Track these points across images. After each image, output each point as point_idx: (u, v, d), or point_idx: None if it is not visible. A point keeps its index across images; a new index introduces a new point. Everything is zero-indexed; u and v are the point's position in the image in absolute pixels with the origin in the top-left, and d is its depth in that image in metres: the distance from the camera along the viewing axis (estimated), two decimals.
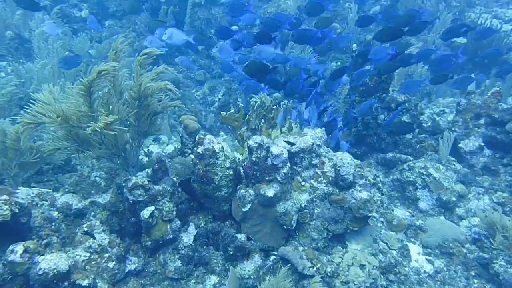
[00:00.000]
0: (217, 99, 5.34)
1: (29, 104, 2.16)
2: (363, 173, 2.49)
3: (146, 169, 2.63)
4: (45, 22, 3.57)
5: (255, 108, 2.89)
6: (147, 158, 3.28)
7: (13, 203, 2.10)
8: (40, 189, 2.53)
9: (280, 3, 5.85)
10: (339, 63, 5.07)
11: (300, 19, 3.16)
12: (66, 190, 2.88)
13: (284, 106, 2.82)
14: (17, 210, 2.07)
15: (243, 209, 2.43)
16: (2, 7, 4.88)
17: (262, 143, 2.33)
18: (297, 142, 2.47)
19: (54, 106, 2.05)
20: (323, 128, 2.66)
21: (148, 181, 2.44)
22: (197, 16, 5.69)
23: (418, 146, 3.24)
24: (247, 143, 2.35)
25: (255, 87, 2.82)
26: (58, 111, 2.05)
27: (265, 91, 2.80)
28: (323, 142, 2.56)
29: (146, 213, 2.31)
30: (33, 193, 2.46)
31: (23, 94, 4.05)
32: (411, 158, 3.14)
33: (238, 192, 2.45)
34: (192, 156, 2.63)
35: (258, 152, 2.33)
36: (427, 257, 2.51)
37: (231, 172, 2.42)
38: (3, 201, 2.06)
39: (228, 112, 2.86)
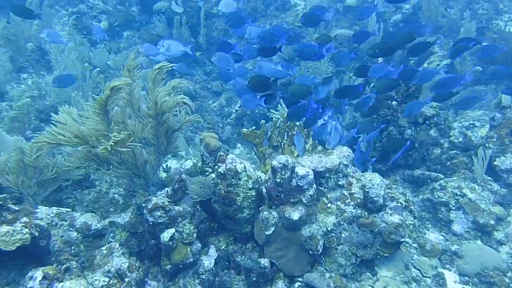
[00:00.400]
0: (234, 111, 5.26)
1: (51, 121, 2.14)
2: (394, 195, 2.35)
3: (166, 188, 2.55)
4: (44, 31, 3.51)
5: (277, 124, 2.79)
6: (165, 174, 3.21)
7: (33, 225, 2.05)
8: (60, 208, 2.49)
9: (298, 13, 5.77)
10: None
11: (298, 34, 3.08)
12: (85, 208, 2.84)
13: (297, 129, 2.72)
14: (37, 233, 2.02)
15: (266, 232, 2.32)
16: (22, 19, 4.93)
17: (286, 164, 2.22)
18: (322, 162, 2.35)
19: (72, 126, 1.99)
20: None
21: (168, 201, 2.36)
22: (214, 26, 5.65)
23: (448, 163, 3.07)
24: (271, 163, 2.25)
25: (253, 100, 2.75)
26: (75, 131, 2.00)
27: (262, 105, 2.71)
28: (350, 161, 2.43)
29: (166, 236, 2.23)
30: (52, 213, 2.41)
31: (42, 107, 4.07)
32: (442, 176, 2.97)
33: (260, 214, 2.35)
34: (213, 175, 2.54)
35: (283, 172, 2.22)
36: (465, 286, 2.33)
37: (253, 193, 2.32)
38: (23, 224, 2.01)
39: (249, 129, 2.76)
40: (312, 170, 2.29)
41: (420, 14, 5.46)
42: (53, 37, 3.64)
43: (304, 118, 2.55)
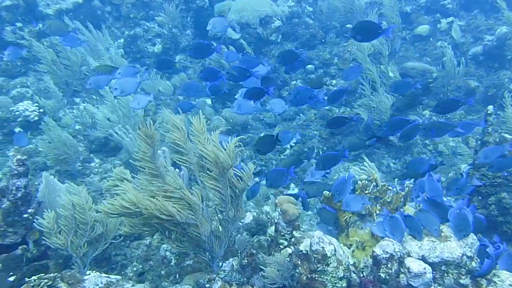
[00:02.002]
0: (288, 146, 4.84)
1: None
2: None
3: (232, 261, 2.13)
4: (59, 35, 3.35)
5: (365, 187, 2.30)
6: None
7: None
8: (110, 276, 2.13)
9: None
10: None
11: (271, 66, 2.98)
12: (135, 269, 2.48)
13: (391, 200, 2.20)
14: None
15: None
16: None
17: (394, 254, 1.72)
18: (436, 249, 1.83)
19: (130, 194, 1.63)
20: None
21: (237, 283, 1.93)
22: (271, 54, 5.32)
23: None
24: (373, 251, 1.76)
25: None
26: (133, 199, 1.63)
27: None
28: (476, 252, 1.88)
29: None
30: (101, 283, 2.05)
31: (93, 137, 3.86)
32: None
33: None
34: (289, 250, 2.09)
35: (389, 265, 1.72)
36: None
37: (344, 284, 1.84)
38: None
39: (330, 193, 2.30)
40: (421, 258, 1.78)
41: (507, 46, 4.80)
42: (70, 41, 3.40)
43: None
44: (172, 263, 2.55)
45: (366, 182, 2.30)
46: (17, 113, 3.50)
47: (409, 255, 1.75)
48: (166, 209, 1.55)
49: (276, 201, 2.20)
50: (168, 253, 2.61)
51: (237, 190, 1.96)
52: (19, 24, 4.50)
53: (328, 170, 2.59)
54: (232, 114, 5.05)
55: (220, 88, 3.09)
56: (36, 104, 3.69)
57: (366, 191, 2.29)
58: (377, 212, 2.18)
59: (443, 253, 1.82)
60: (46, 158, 3.26)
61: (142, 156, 1.60)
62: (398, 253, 1.74)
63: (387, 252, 1.72)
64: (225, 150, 1.70)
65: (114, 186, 2.11)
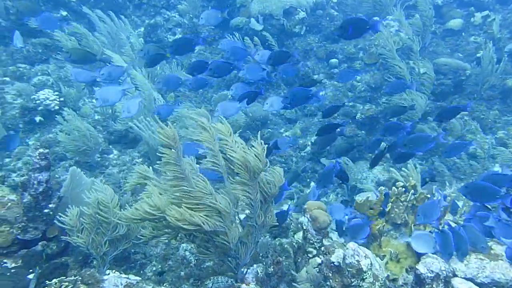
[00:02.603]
0: (309, 143, 4.68)
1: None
2: None
3: (256, 267, 2.02)
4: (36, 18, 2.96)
5: (400, 194, 2.15)
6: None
7: None
8: (129, 277, 2.06)
9: (392, 34, 5.06)
10: None
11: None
12: (154, 269, 2.41)
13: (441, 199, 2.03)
14: None
15: None
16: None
17: (440, 273, 1.58)
18: (486, 269, 1.68)
19: (155, 199, 1.52)
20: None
21: None
22: (294, 46, 5.14)
23: None
24: (416, 269, 1.62)
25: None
26: (159, 204, 1.53)
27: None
28: None
29: None
30: (121, 284, 1.98)
31: (112, 128, 3.80)
32: None
33: None
34: (318, 259, 1.97)
35: (434, 286, 1.58)
36: None
37: None
38: None
39: (363, 199, 2.16)
40: (469, 279, 1.63)
41: None
42: (48, 22, 3.04)
43: None
44: (192, 264, 2.47)
45: (402, 188, 2.15)
46: (38, 101, 3.45)
47: (455, 275, 1.60)
48: (193, 220, 1.44)
49: (305, 206, 2.07)
50: (187, 253, 2.53)
51: (267, 195, 1.85)
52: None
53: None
54: (252, 108, 4.93)
55: (206, 82, 2.96)
56: (56, 93, 3.64)
57: (402, 199, 2.14)
58: (414, 222, 2.03)
59: (494, 273, 1.66)
60: (65, 150, 3.20)
61: (166, 160, 1.48)
62: (445, 272, 1.60)
63: (432, 271, 1.58)
64: (254, 153, 1.57)
65: (137, 184, 2.02)
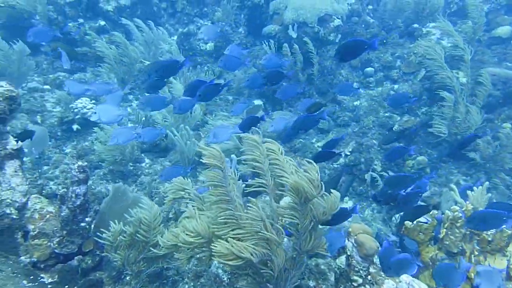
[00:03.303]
0: (342, 155, 4.50)
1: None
2: None
3: None
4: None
5: (454, 219, 1.96)
6: None
7: None
8: None
9: (431, 42, 4.80)
10: None
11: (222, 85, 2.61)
12: (186, 287, 2.33)
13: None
14: None
15: None
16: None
17: None
18: None
19: (194, 223, 1.44)
20: None
21: None
22: (328, 55, 4.99)
23: None
24: None
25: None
26: (199, 230, 1.44)
27: None
28: None
29: None
30: None
31: None
32: None
33: None
34: None
35: None
36: None
37: None
38: None
39: (413, 223, 1.98)
40: None
41: None
42: (39, 36, 2.85)
43: None
44: (224, 283, 2.38)
45: (458, 213, 1.95)
46: (75, 110, 3.51)
47: None
48: (242, 256, 1.33)
49: (350, 230, 1.92)
50: (220, 271, 2.44)
51: (316, 221, 1.72)
52: (80, 20, 4.57)
53: None
54: (283, 117, 4.82)
55: (193, 105, 2.79)
56: (93, 101, 3.70)
57: (458, 224, 1.95)
58: (474, 252, 1.84)
59: None
60: (101, 159, 3.23)
61: (212, 183, 1.39)
62: None
63: None
64: (308, 178, 1.45)
65: (175, 199, 1.96)
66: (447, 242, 1.94)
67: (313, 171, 1.45)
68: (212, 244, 1.36)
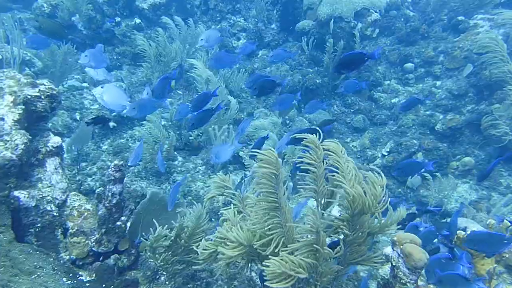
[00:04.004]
0: (379, 155, 4.30)
1: None
2: None
3: None
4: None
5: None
6: None
7: None
8: None
9: (479, 36, 4.45)
10: None
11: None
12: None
13: None
14: None
15: None
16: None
17: None
18: None
19: (236, 233, 1.36)
20: None
21: None
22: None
23: None
24: None
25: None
26: (242, 238, 1.37)
27: None
28: None
29: None
30: None
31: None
32: None
33: None
34: None
35: None
36: None
37: None
38: None
39: (465, 233, 1.81)
40: None
41: None
42: (37, 43, 2.79)
43: None
44: (258, 287, 2.32)
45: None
46: None
47: None
48: (294, 274, 1.21)
49: (395, 238, 1.78)
50: (253, 274, 2.39)
51: (367, 234, 1.60)
52: (117, 19, 4.66)
53: None
54: (317, 115, 4.68)
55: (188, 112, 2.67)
56: (128, 99, 3.75)
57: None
58: None
59: None
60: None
61: (263, 190, 1.29)
62: None
63: None
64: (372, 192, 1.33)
65: (215, 196, 1.90)
66: (507, 255, 1.76)
67: (377, 189, 1.33)
68: (264, 263, 1.26)
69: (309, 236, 1.36)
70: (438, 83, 4.69)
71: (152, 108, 2.62)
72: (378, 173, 1.46)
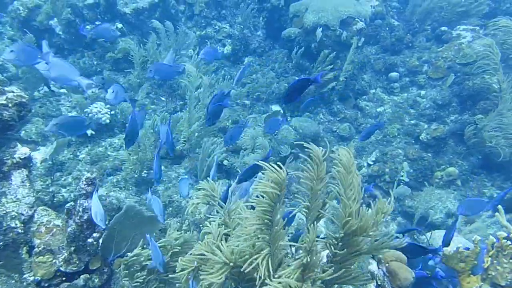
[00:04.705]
0: (365, 164, 4.27)
1: None
2: None
3: None
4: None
5: (505, 247, 1.72)
6: None
7: None
8: None
9: (462, 47, 4.51)
10: None
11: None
12: None
13: None
14: None
15: None
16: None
17: None
18: None
19: (223, 251, 1.27)
20: None
21: None
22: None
23: None
24: None
25: None
26: (228, 256, 1.27)
27: None
28: None
29: None
30: None
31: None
32: None
33: None
34: None
35: None
36: None
37: None
38: None
39: (453, 251, 1.76)
40: None
41: None
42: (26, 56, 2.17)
43: None
44: None
45: (507, 241, 1.73)
46: (90, 114, 3.44)
47: None
48: None
49: (380, 256, 1.72)
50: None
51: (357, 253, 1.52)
52: (98, 23, 4.53)
53: None
54: (302, 124, 4.64)
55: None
56: (108, 106, 3.62)
57: (506, 253, 1.72)
58: None
59: None
60: (124, 167, 3.14)
61: (260, 208, 1.19)
62: None
63: None
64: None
65: (200, 204, 1.79)
66: (493, 273, 1.71)
67: (381, 213, 1.25)
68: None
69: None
70: (423, 92, 4.72)
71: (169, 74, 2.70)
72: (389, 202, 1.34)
